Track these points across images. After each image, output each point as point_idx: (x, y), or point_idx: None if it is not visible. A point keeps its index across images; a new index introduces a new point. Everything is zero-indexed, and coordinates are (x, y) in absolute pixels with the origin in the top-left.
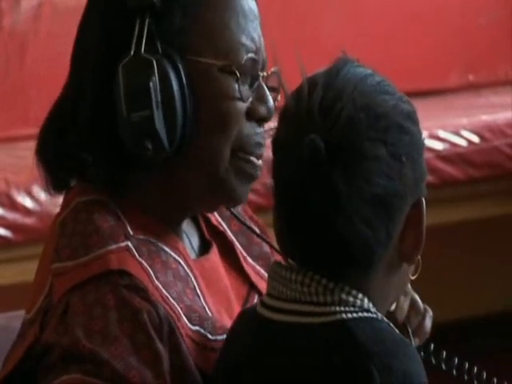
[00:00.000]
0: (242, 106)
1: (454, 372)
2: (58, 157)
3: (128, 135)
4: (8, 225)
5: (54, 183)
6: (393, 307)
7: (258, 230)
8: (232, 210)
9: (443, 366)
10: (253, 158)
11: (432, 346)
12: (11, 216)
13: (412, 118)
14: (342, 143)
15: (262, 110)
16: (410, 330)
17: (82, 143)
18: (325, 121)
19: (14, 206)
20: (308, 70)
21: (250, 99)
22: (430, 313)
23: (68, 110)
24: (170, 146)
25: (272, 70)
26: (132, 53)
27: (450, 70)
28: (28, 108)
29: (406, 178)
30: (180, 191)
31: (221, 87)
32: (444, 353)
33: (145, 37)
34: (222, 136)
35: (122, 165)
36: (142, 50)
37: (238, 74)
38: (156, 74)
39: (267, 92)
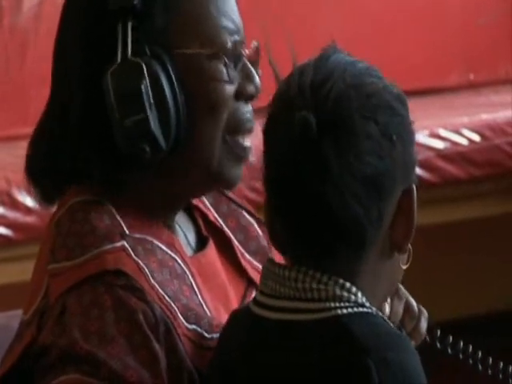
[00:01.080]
0: (231, 88)
1: (460, 356)
2: (50, 170)
3: (124, 140)
4: (9, 223)
5: (46, 196)
6: (387, 311)
7: (256, 226)
8: (226, 193)
9: (449, 351)
10: (242, 141)
11: (438, 331)
12: (12, 215)
13: (401, 100)
14: (332, 119)
15: (251, 88)
16: (405, 334)
17: (75, 149)
18: (315, 98)
19: (14, 204)
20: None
21: (237, 80)
22: (425, 314)
23: (56, 122)
24: (167, 145)
25: (252, 45)
26: (119, 58)
27: (450, 69)
28: (28, 107)
29: (396, 159)
30: (175, 186)
31: (210, 74)
32: (450, 337)
33: (130, 40)
34: (214, 122)
35: (116, 166)
36: (129, 53)
37: (225, 59)
38: (146, 77)
39: (253, 70)
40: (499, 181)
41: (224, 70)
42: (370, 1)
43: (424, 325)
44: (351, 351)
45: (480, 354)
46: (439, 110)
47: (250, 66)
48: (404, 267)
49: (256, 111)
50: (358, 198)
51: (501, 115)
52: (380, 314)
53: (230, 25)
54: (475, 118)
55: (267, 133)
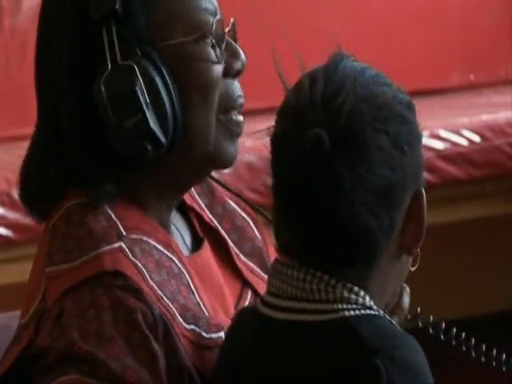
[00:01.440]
0: (219, 67)
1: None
2: (45, 192)
3: (124, 143)
4: (9, 224)
5: (41, 216)
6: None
7: (252, 224)
8: (219, 181)
9: (441, 337)
10: (235, 117)
11: (431, 317)
12: (12, 215)
13: (410, 107)
14: (344, 134)
15: (238, 64)
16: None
17: (69, 156)
18: (327, 113)
19: (14, 205)
20: (308, 68)
21: (223, 58)
22: (407, 290)
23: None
24: (166, 140)
25: (231, 21)
26: (109, 65)
27: (450, 70)
28: (28, 107)
29: (406, 168)
30: (172, 178)
31: (198, 58)
32: (443, 324)
33: (116, 44)
34: (206, 104)
35: (110, 167)
36: (118, 58)
37: (212, 41)
38: (139, 77)
39: (237, 46)
40: (499, 181)
41: (212, 52)
42: (370, 1)
43: (406, 300)
44: (359, 352)
45: (473, 340)
46: (439, 111)
47: (233, 42)
48: (412, 269)
49: (251, 112)
50: (369, 210)
51: (501, 116)
52: (387, 317)
53: (209, 5)
54: (475, 119)
55: (276, 145)
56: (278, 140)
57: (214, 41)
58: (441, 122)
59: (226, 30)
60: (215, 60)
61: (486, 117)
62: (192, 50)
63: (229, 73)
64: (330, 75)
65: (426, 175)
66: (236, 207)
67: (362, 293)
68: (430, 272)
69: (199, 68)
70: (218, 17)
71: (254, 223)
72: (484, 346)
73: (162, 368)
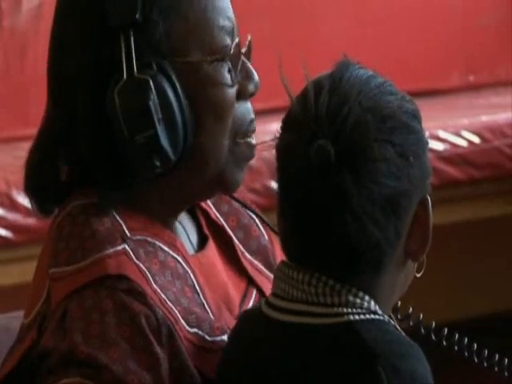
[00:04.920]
0: (234, 90)
1: (456, 348)
2: (52, 188)
3: (134, 157)
4: (8, 225)
5: (45, 209)
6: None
7: (258, 221)
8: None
9: (444, 343)
10: (249, 140)
11: (433, 324)
12: (11, 216)
13: (416, 116)
14: (350, 147)
15: (251, 87)
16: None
17: (78, 156)
18: (332, 125)
19: (14, 206)
20: (309, 70)
21: (238, 80)
22: None
23: (58, 139)
24: (175, 157)
25: (248, 40)
26: (125, 75)
27: (450, 71)
28: (28, 108)
29: (413, 178)
30: (180, 192)
31: (213, 80)
32: (445, 330)
33: (134, 55)
34: (220, 127)
35: (119, 172)
36: (135, 69)
37: (229, 64)
38: (154, 92)
39: (252, 68)
40: (499, 183)
41: (227, 75)
42: (370, 2)
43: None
44: (362, 358)
45: (475, 346)
46: (439, 112)
47: (248, 64)
48: (418, 275)
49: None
50: (376, 223)
51: (501, 117)
52: (392, 322)
53: (227, 23)
54: (475, 120)
55: (282, 157)
56: (283, 152)
57: (229, 64)
58: (440, 123)
59: (243, 50)
60: (230, 84)
61: (485, 118)
62: (209, 71)
63: (242, 95)
64: (335, 86)
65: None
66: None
67: (366, 297)
68: (430, 273)
69: (214, 90)
70: (235, 36)
71: (260, 221)
72: (475, 346)
73: (165, 372)
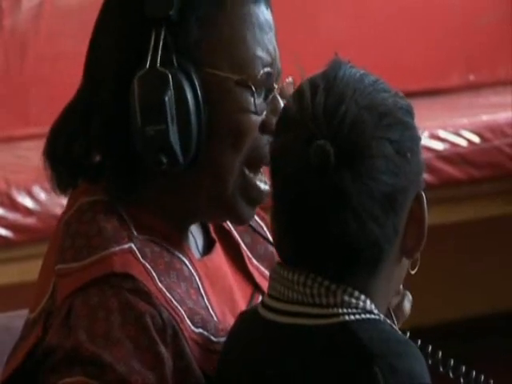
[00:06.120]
0: (257, 119)
1: (462, 380)
2: (67, 159)
3: (142, 148)
4: (8, 225)
5: (60, 183)
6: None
7: (265, 228)
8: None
9: (450, 374)
10: (259, 182)
11: (440, 353)
12: (11, 216)
13: (410, 112)
14: (349, 146)
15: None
16: (392, 312)
17: (93, 148)
18: (330, 125)
19: (14, 205)
20: (307, 70)
21: (265, 112)
22: (409, 297)
23: (81, 115)
24: (184, 160)
25: (287, 80)
26: (148, 65)
27: (450, 70)
28: (28, 108)
29: (409, 173)
30: (188, 201)
31: (236, 101)
32: (452, 361)
33: (160, 49)
34: (234, 150)
35: (132, 170)
36: (158, 62)
37: (253, 88)
38: (171, 88)
39: (282, 104)
40: (499, 182)
41: (251, 100)
42: (370, 2)
43: (407, 306)
44: (358, 358)
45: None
46: (439, 111)
47: (279, 99)
48: (413, 272)
49: None
50: (375, 219)
51: (501, 116)
52: (388, 321)
53: (263, 55)
54: (475, 119)
55: (278, 158)
56: (279, 152)
57: (255, 89)
58: (440, 123)
59: (278, 84)
60: (253, 110)
61: (485, 117)
62: (233, 90)
63: (266, 129)
64: (329, 84)
65: (425, 176)
66: None
67: (362, 297)
68: (430, 272)
69: (235, 111)
70: (270, 69)
71: (267, 227)
72: (452, 362)
73: (169, 372)
